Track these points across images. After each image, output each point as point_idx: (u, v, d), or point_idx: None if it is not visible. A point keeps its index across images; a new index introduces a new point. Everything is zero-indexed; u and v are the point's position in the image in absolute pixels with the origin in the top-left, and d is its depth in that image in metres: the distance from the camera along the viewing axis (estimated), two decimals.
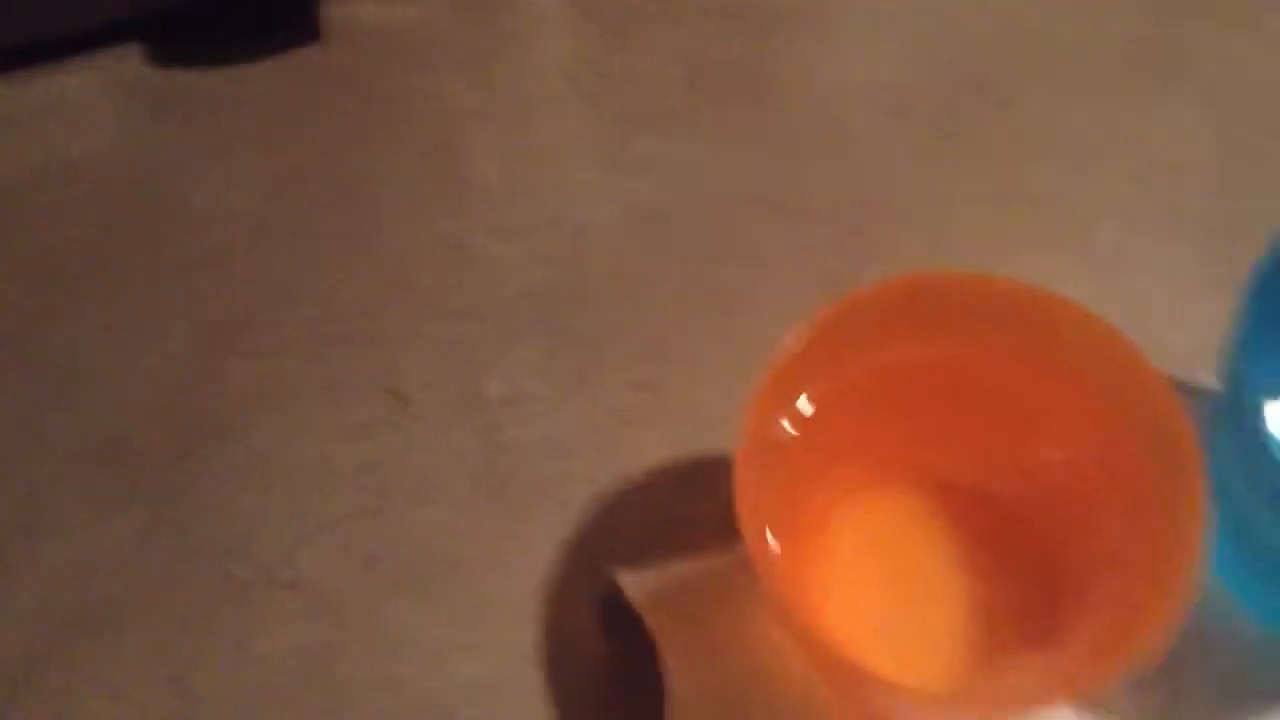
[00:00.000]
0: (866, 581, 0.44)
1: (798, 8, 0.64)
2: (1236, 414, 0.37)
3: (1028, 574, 0.43)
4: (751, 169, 0.56)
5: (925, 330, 0.41)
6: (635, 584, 0.46)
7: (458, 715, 0.45)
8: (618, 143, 0.58)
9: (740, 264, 0.54)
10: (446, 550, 0.49)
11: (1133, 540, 0.38)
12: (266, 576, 0.48)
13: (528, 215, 0.56)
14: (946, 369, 0.42)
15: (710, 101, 0.59)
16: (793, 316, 0.52)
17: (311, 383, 0.53)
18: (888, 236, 0.54)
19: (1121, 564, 0.39)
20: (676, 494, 0.49)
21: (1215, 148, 0.55)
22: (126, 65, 0.63)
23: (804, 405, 0.41)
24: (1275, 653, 0.43)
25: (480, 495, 0.50)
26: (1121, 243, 0.53)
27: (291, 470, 0.51)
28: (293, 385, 0.53)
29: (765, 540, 0.36)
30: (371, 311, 0.54)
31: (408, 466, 0.50)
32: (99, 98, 0.62)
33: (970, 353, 0.41)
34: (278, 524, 0.50)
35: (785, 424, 0.41)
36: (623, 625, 0.45)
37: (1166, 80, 0.57)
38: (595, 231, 0.55)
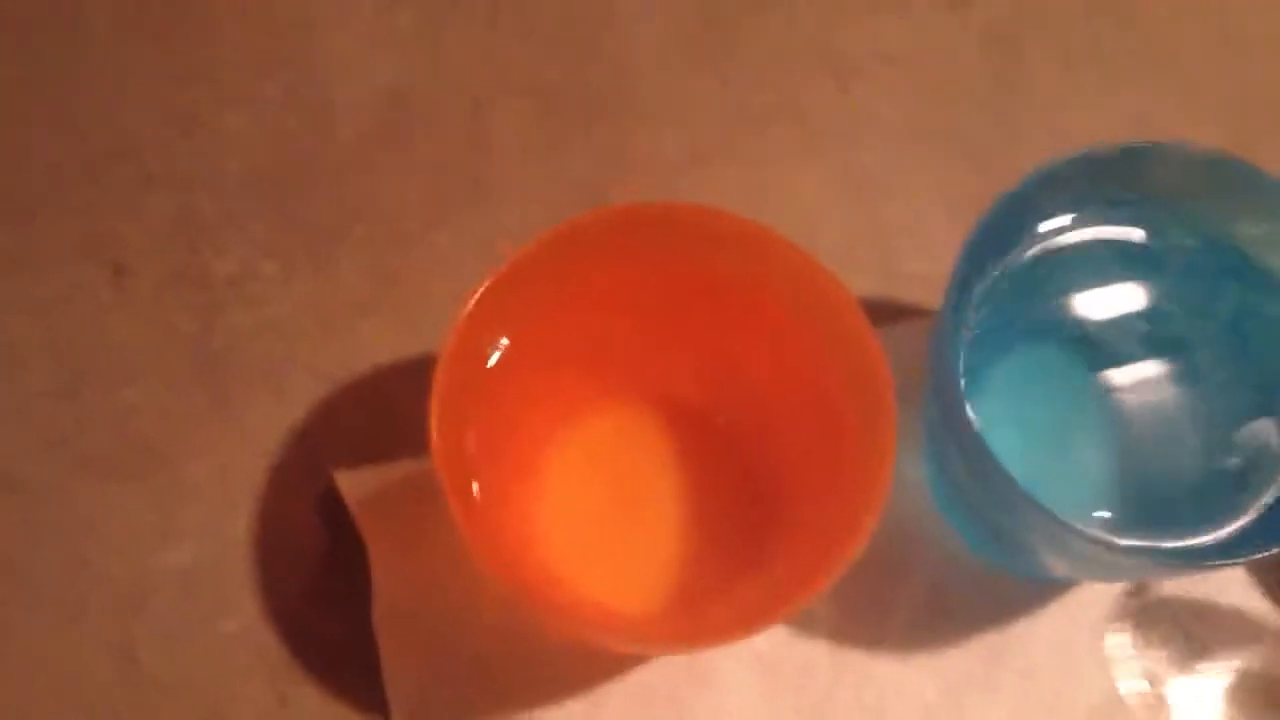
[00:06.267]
0: (583, 500, 0.44)
1: None
2: (939, 350, 0.38)
3: (740, 495, 0.44)
4: (511, 55, 0.54)
5: (643, 254, 0.41)
6: (351, 483, 0.45)
7: (148, 603, 0.44)
8: (374, 13, 0.55)
9: (490, 155, 0.52)
10: (150, 434, 0.46)
11: (833, 468, 0.39)
12: None
13: (268, 85, 0.53)
14: (665, 287, 0.41)
15: None
16: (537, 213, 0.51)
17: (14, 249, 0.49)
18: (641, 136, 0.53)
19: (821, 491, 0.40)
20: (402, 389, 0.48)
21: (989, 78, 0.55)
22: None
23: (515, 326, 0.40)
24: (978, 574, 0.45)
25: (191, 378, 0.47)
26: (877, 163, 0.53)
27: None
28: None
29: (461, 476, 0.35)
30: (88, 176, 0.51)
31: (112, 344, 0.48)
32: None
33: (688, 275, 0.41)
34: None
35: (499, 341, 0.40)
36: (340, 521, 0.44)
37: (947, 5, 0.57)
38: (340, 108, 0.52)
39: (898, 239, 0.52)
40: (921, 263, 0.51)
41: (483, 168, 0.52)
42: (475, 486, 0.38)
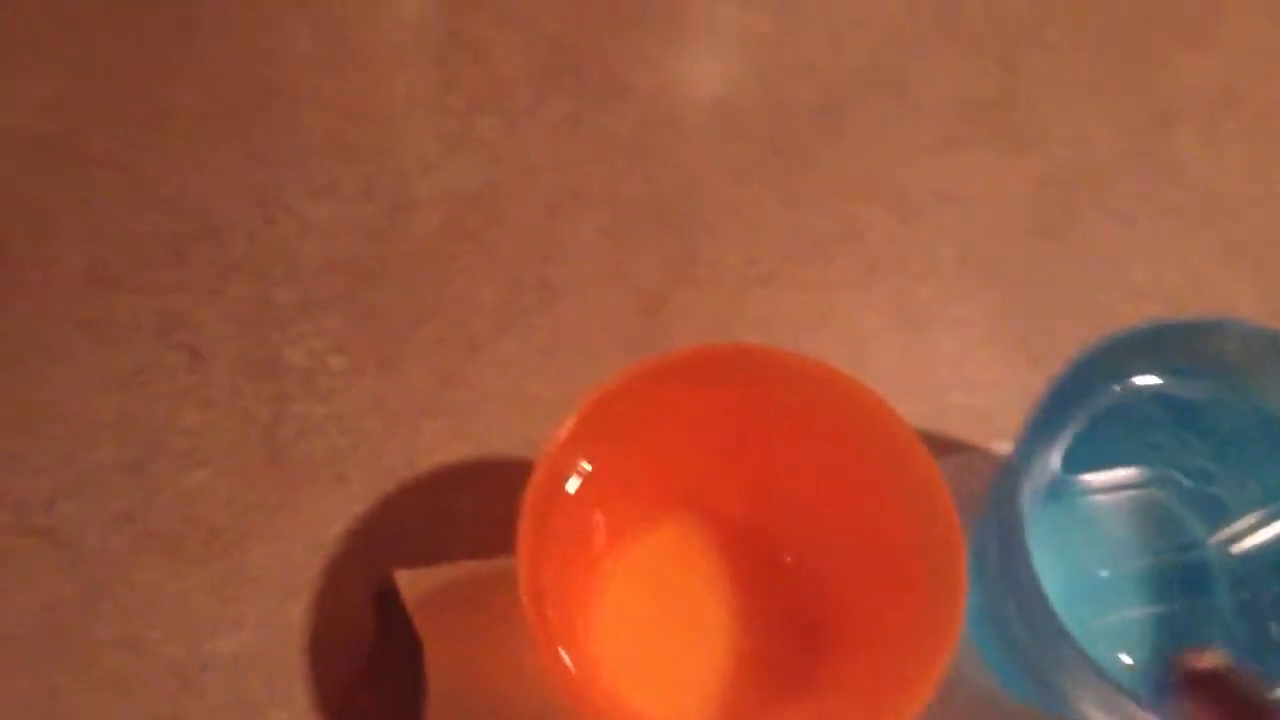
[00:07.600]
0: (636, 615, 0.45)
1: (659, 11, 0.63)
2: (1004, 499, 0.39)
3: (792, 621, 0.45)
4: (584, 165, 0.56)
5: (716, 388, 0.42)
6: (410, 583, 0.45)
7: (200, 682, 0.45)
8: (458, 118, 0.57)
9: (559, 262, 0.54)
10: (215, 517, 0.47)
11: (894, 608, 0.40)
12: (22, 523, 0.46)
13: (349, 176, 0.54)
14: (734, 418, 0.43)
15: (557, 90, 0.58)
16: (601, 321, 0.52)
17: (94, 318, 0.50)
18: (706, 250, 0.55)
19: (882, 629, 0.41)
20: (460, 489, 0.49)
21: (1046, 220, 0.57)
22: None
23: (593, 451, 0.41)
24: (1009, 708, 0.46)
25: (258, 465, 0.48)
26: (931, 296, 0.55)
27: (60, 415, 0.48)
28: (71, 326, 0.50)
29: (543, 610, 0.36)
30: (171, 255, 0.52)
31: (184, 426, 0.49)
32: None
33: (757, 409, 0.42)
34: (37, 469, 0.47)
35: (580, 465, 0.41)
36: (394, 614, 0.45)
37: (1007, 146, 0.59)
38: (417, 207, 0.54)
39: (945, 371, 0.53)
40: (966, 395, 0.52)
41: (551, 272, 0.53)
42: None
